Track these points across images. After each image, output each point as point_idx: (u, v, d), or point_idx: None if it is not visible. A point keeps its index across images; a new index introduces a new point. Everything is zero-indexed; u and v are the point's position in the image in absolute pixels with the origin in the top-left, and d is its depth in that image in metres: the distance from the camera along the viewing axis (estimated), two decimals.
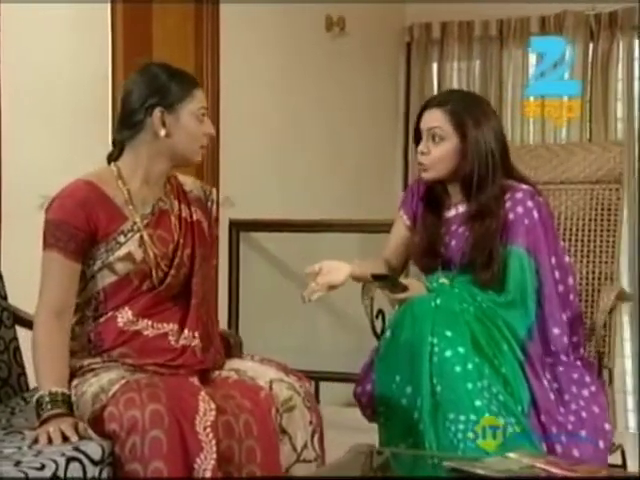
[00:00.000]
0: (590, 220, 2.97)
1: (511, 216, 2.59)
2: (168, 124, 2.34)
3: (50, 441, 2.10)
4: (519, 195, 2.62)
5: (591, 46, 5.66)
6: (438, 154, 2.65)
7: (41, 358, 2.26)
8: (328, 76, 5.27)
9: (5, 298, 2.75)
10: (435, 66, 5.92)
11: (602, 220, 2.95)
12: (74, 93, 3.70)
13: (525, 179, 2.69)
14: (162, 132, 2.34)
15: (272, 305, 4.90)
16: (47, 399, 2.19)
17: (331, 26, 5.24)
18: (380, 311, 2.80)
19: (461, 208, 2.70)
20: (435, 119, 2.66)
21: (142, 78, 2.38)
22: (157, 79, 2.36)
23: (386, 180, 5.93)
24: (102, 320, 2.34)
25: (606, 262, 2.92)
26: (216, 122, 4.40)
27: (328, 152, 5.37)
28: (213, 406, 2.17)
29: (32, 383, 2.75)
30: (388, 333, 2.62)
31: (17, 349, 2.74)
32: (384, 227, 4.96)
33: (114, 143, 2.43)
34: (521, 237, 2.57)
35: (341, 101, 5.38)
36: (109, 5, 3.90)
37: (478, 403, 2.38)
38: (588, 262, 2.93)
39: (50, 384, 2.22)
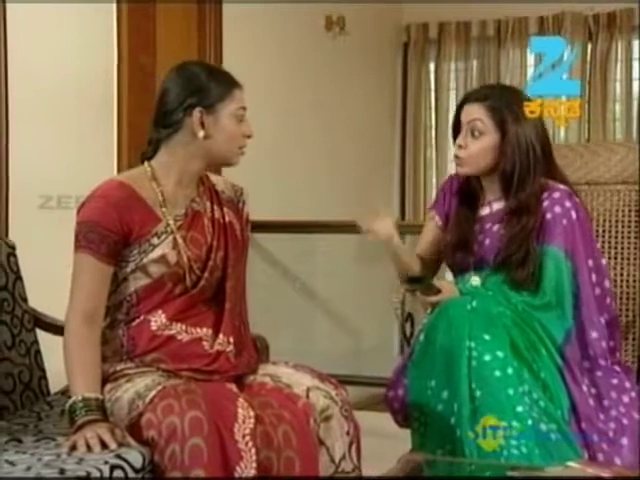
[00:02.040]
0: (617, 221, 2.93)
1: (548, 216, 2.55)
2: (207, 125, 2.28)
3: (89, 448, 2.04)
4: (557, 195, 2.57)
5: (589, 47, 5.66)
6: (476, 148, 2.60)
7: (73, 364, 2.19)
8: (328, 76, 5.22)
9: (25, 300, 2.67)
10: (432, 66, 5.89)
11: (629, 222, 2.92)
12: (80, 92, 3.64)
13: (565, 179, 2.65)
14: (201, 133, 2.27)
15: (270, 306, 4.85)
16: (81, 405, 2.12)
17: (331, 26, 5.20)
18: (410, 315, 2.74)
19: (496, 206, 2.65)
20: (475, 113, 2.60)
21: (180, 77, 2.31)
22: (196, 78, 2.30)
23: (383, 180, 5.89)
24: (134, 324, 2.27)
25: (634, 264, 2.88)
26: None
27: (326, 152, 5.32)
28: (252, 414, 2.10)
29: (53, 387, 2.69)
30: (422, 337, 2.55)
31: (38, 352, 2.67)
32: None
33: (149, 142, 2.35)
34: (558, 237, 2.53)
35: (340, 101, 5.34)
36: (115, 5, 3.83)
37: (520, 409, 2.33)
38: (615, 264, 2.89)
39: (83, 390, 2.15)
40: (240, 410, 2.09)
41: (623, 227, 2.93)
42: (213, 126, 2.29)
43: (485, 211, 2.68)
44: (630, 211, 2.93)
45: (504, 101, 2.61)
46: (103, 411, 2.15)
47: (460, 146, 2.62)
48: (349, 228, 4.64)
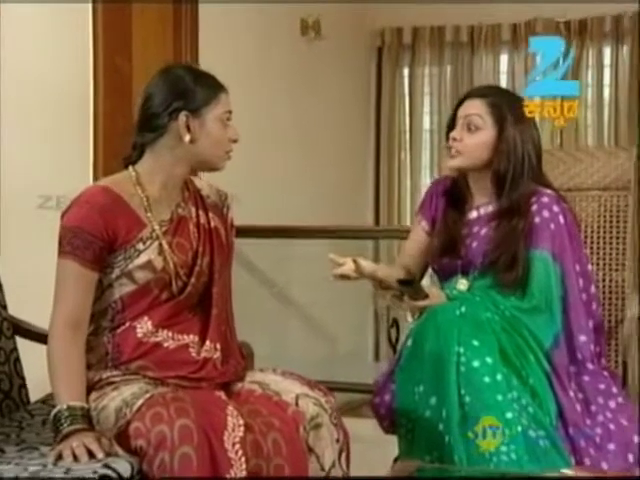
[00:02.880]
0: (599, 227, 2.94)
1: (537, 220, 2.54)
2: (193, 129, 2.25)
3: (75, 457, 1.99)
4: (545, 199, 2.57)
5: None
6: (471, 142, 2.59)
7: (57, 372, 2.15)
8: (303, 80, 5.20)
9: (5, 308, 2.63)
10: (406, 71, 5.89)
11: (611, 227, 2.93)
12: (55, 94, 3.58)
13: (552, 185, 2.65)
14: (187, 137, 2.24)
15: (246, 311, 4.81)
16: (66, 414, 2.08)
17: (306, 30, 5.17)
18: (395, 320, 2.73)
19: (483, 210, 2.64)
20: (474, 107, 2.60)
21: (165, 81, 2.29)
22: (181, 82, 2.27)
23: (359, 184, 5.88)
24: (120, 331, 2.23)
25: (616, 270, 2.90)
26: None
27: (302, 156, 5.30)
28: (241, 422, 2.07)
29: (33, 396, 2.65)
30: (410, 342, 2.53)
31: (17, 360, 2.62)
32: (360, 233, 4.97)
33: (133, 147, 2.32)
34: (546, 241, 2.53)
35: (316, 105, 5.32)
36: (90, 5, 3.79)
37: (509, 415, 2.32)
38: (598, 270, 2.90)
39: (68, 398, 2.11)
40: (230, 418, 2.06)
41: (605, 233, 2.94)
42: (199, 130, 2.27)
43: (473, 215, 2.67)
44: (612, 217, 2.94)
45: (505, 99, 2.62)
46: (89, 420, 2.11)
47: (455, 139, 2.61)
48: (326, 233, 4.68)
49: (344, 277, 2.64)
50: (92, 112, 3.82)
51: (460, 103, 2.68)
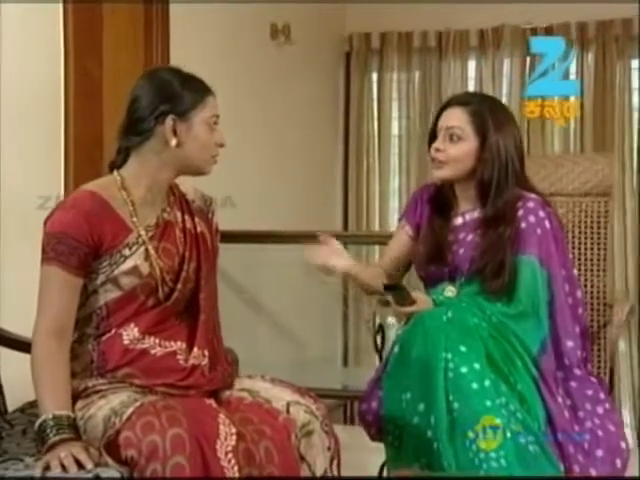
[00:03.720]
0: (580, 233, 2.94)
1: (523, 225, 2.53)
2: (179, 133, 2.21)
3: (64, 468, 1.94)
4: (531, 204, 2.56)
5: (528, 60, 5.69)
6: (454, 153, 2.57)
7: (42, 380, 2.09)
8: (273, 84, 5.16)
9: None
10: (375, 76, 5.87)
11: (592, 233, 2.93)
12: (25, 97, 3.51)
13: (535, 189, 2.64)
14: (173, 141, 2.21)
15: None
16: (51, 423, 2.03)
17: (276, 34, 5.13)
18: (381, 326, 2.70)
19: (469, 216, 2.63)
20: (456, 118, 2.58)
21: (151, 84, 2.25)
22: (169, 85, 2.23)
23: (327, 190, 5.85)
24: (105, 338, 2.18)
25: (598, 275, 2.90)
26: None
27: (270, 161, 5.26)
28: (234, 430, 2.03)
29: (10, 405, 2.59)
30: (396, 349, 2.51)
31: None
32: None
33: (118, 151, 2.28)
34: (533, 247, 2.51)
35: (284, 109, 5.29)
36: (61, 5, 3.72)
37: (498, 421, 2.30)
38: (579, 276, 2.89)
39: (53, 407, 2.05)
40: (222, 427, 2.02)
41: (587, 239, 2.94)
42: (186, 134, 2.23)
43: (458, 221, 2.65)
44: (593, 222, 2.95)
45: (486, 106, 2.60)
46: (75, 429, 2.05)
47: (437, 149, 2.60)
48: (295, 238, 4.65)
49: (327, 270, 2.60)
50: (63, 115, 3.75)
51: (440, 112, 2.66)
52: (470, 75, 5.75)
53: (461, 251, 2.60)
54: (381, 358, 2.79)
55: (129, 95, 2.27)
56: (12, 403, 2.59)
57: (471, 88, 5.70)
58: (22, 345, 2.58)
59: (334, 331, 5.76)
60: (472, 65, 5.74)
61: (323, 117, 5.80)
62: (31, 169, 3.51)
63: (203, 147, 2.26)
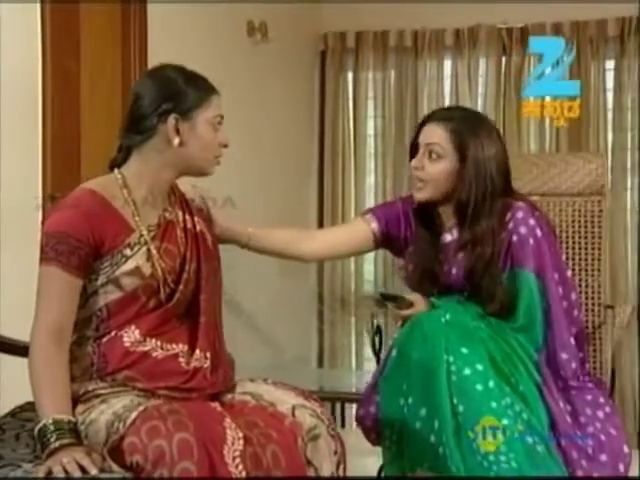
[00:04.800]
0: (573, 233, 2.94)
1: (514, 238, 2.47)
2: (182, 132, 2.16)
3: (67, 474, 1.88)
4: (520, 214, 2.49)
5: (504, 60, 5.69)
6: (433, 171, 2.52)
7: (41, 384, 2.03)
8: (249, 82, 5.11)
9: None
10: (350, 75, 5.83)
11: (586, 233, 2.93)
12: (1, 94, 3.44)
13: (521, 195, 2.59)
14: (176, 141, 2.16)
15: None
16: (52, 428, 1.97)
17: (253, 31, 5.07)
18: (378, 328, 2.66)
19: (456, 233, 2.57)
20: (435, 135, 2.53)
21: (155, 81, 2.20)
22: (172, 83, 2.19)
23: (303, 191, 5.80)
24: (105, 340, 2.13)
25: (592, 275, 2.89)
26: None
27: (246, 162, 5.21)
28: (240, 434, 1.99)
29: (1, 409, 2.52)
30: (394, 352, 2.47)
31: None
32: None
33: (119, 149, 2.23)
34: (528, 260, 2.46)
35: (261, 108, 5.23)
36: (39, 5, 3.65)
37: (505, 422, 2.27)
38: (573, 275, 2.88)
39: (53, 411, 1.99)
40: (228, 431, 1.98)
41: (580, 238, 2.94)
42: (188, 133, 2.18)
43: (447, 238, 2.59)
44: (586, 222, 2.94)
45: (467, 124, 2.53)
46: (77, 434, 1.99)
47: (416, 167, 2.55)
48: None
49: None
50: (41, 113, 3.68)
51: (420, 127, 2.60)
52: (446, 74, 5.71)
53: (454, 270, 2.54)
54: (379, 361, 2.74)
55: (132, 92, 2.23)
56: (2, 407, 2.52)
57: (447, 88, 5.68)
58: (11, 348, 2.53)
59: (309, 333, 5.72)
60: (448, 64, 5.71)
61: (299, 116, 5.75)
62: (9, 166, 3.43)
63: (206, 147, 2.22)
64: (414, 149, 2.59)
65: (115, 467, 1.94)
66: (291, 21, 5.53)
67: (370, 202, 5.74)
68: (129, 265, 2.12)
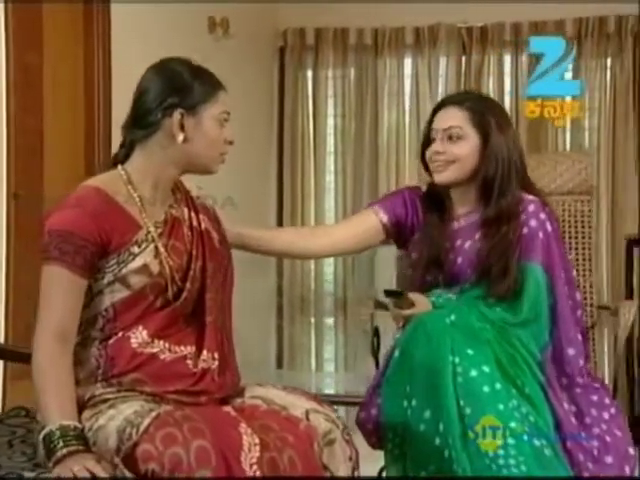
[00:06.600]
0: (564, 232, 2.92)
1: (525, 230, 2.46)
2: (187, 128, 2.09)
3: None
4: (532, 208, 2.49)
5: (464, 59, 5.69)
6: (458, 152, 2.49)
7: (45, 387, 1.94)
8: None
9: None
10: (310, 73, 5.76)
11: (576, 232, 2.92)
12: None
13: (535, 189, 2.59)
14: (180, 136, 2.08)
15: None
16: (58, 434, 1.88)
17: (214, 27, 4.99)
18: (377, 329, 2.61)
19: (464, 221, 2.55)
20: (452, 118, 2.50)
21: (160, 75, 2.12)
22: (178, 77, 2.11)
23: (262, 190, 5.72)
24: (112, 341, 2.04)
25: (583, 276, 2.88)
26: (108, 123, 4.14)
27: None
28: (257, 440, 1.92)
29: None
30: (397, 353, 2.42)
31: None
32: None
33: (122, 144, 2.14)
34: (537, 253, 2.44)
35: None
36: (2, 5, 3.55)
37: (513, 425, 2.23)
38: None
39: (59, 417, 1.91)
40: (245, 437, 1.91)
41: (570, 238, 2.93)
42: (193, 129, 2.11)
43: (455, 226, 2.56)
44: (576, 222, 2.93)
45: (484, 105, 2.54)
46: (85, 440, 1.91)
47: (438, 152, 2.51)
48: None
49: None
50: (5, 112, 3.58)
51: (434, 113, 2.57)
52: (406, 73, 5.68)
53: (459, 260, 2.51)
54: (377, 362, 2.69)
55: (136, 87, 2.14)
56: None
57: (407, 86, 5.65)
58: None
59: (268, 333, 5.64)
60: (408, 63, 5.68)
61: (258, 114, 5.67)
62: None
63: (211, 144, 2.15)
64: (427, 140, 2.56)
65: (128, 474, 1.86)
66: (253, 17, 5.45)
67: (330, 201, 5.69)
68: (137, 263, 2.04)
